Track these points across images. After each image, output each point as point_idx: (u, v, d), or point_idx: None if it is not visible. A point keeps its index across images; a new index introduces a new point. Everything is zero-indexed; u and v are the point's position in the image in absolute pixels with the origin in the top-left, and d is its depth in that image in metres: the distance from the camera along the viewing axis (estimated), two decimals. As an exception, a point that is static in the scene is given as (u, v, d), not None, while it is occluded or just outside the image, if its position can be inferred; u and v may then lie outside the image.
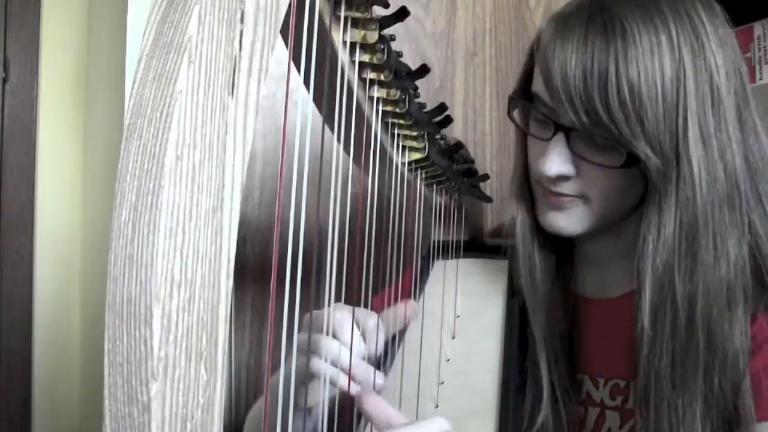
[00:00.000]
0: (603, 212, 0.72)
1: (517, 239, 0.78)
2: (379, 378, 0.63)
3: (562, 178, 0.71)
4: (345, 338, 0.64)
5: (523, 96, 0.76)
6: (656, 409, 0.66)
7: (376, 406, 0.57)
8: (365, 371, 0.63)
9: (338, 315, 0.65)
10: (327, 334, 0.64)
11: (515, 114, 0.77)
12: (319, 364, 0.63)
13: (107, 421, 0.34)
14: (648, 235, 0.67)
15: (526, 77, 0.76)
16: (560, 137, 0.69)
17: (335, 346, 0.64)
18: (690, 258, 0.66)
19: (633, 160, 0.66)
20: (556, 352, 0.76)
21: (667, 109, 0.64)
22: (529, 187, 0.78)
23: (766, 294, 0.70)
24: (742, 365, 0.66)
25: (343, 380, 0.62)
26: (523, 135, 0.78)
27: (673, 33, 0.65)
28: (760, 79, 1.11)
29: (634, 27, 0.64)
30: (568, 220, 0.73)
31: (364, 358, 0.66)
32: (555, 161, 0.69)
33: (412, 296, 0.83)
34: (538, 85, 0.72)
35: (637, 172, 0.68)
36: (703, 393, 0.65)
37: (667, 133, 0.64)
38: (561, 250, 0.81)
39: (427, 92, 1.26)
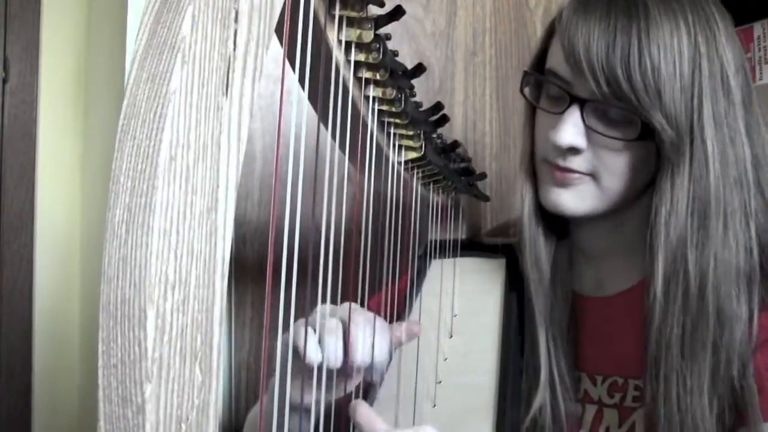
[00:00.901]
0: (609, 193, 0.72)
1: (523, 223, 0.78)
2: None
3: (573, 151, 0.71)
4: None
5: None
6: (666, 381, 0.67)
7: (366, 415, 0.58)
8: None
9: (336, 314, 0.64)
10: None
11: (526, 91, 0.77)
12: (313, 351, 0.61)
13: (101, 423, 0.34)
14: (660, 206, 0.68)
15: (541, 55, 0.77)
16: (574, 109, 0.70)
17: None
18: (702, 233, 0.67)
19: (647, 133, 0.67)
20: (555, 339, 0.76)
21: (683, 87, 0.66)
22: (535, 170, 0.78)
23: None
24: (748, 349, 0.67)
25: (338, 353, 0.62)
26: (531, 114, 0.78)
27: (690, 20, 0.67)
28: (760, 79, 1.11)
29: (655, 9, 0.67)
30: (574, 198, 0.73)
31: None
32: (568, 131, 0.70)
33: (409, 296, 0.83)
34: (554, 61, 0.73)
35: (648, 149, 0.69)
36: (711, 367, 0.66)
37: (684, 108, 0.66)
38: (563, 238, 0.81)
39: (427, 92, 1.26)
